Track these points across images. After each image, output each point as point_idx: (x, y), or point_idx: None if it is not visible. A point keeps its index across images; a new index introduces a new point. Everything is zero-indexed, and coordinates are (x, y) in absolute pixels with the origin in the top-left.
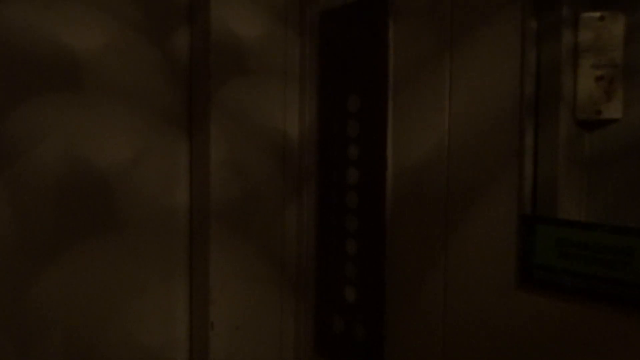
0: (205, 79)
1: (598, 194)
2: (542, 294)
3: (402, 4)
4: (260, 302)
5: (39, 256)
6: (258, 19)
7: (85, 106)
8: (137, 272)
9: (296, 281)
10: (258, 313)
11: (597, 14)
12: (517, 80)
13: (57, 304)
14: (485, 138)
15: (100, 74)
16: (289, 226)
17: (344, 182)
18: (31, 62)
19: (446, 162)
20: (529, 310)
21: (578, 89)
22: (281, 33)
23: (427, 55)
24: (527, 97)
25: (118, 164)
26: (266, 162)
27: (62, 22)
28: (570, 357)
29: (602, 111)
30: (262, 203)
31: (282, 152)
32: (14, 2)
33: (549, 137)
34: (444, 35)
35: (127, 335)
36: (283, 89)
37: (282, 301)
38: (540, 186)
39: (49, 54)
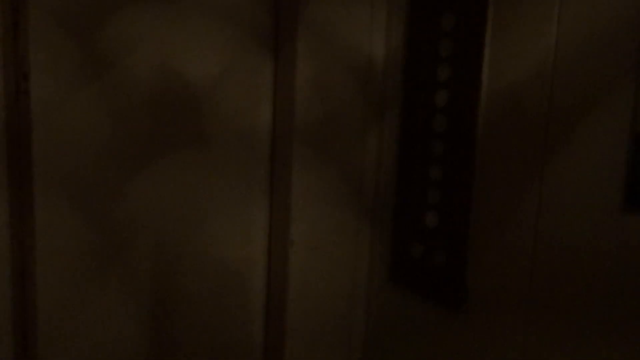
0: None
1: None
2: None
3: None
4: (338, 224)
5: (132, 162)
6: None
7: (176, 19)
8: (221, 185)
9: (374, 205)
10: (335, 234)
11: None
12: None
13: (147, 210)
14: (598, 51)
15: None
16: (370, 150)
17: (431, 105)
18: None
19: (550, 80)
20: (637, 234)
21: None
22: None
23: None
24: None
25: (206, 78)
26: (350, 83)
27: None
28: None
29: None
30: (344, 125)
31: (366, 74)
32: None
33: None
34: None
35: (209, 246)
36: (370, 8)
37: (359, 224)
38: None
39: None
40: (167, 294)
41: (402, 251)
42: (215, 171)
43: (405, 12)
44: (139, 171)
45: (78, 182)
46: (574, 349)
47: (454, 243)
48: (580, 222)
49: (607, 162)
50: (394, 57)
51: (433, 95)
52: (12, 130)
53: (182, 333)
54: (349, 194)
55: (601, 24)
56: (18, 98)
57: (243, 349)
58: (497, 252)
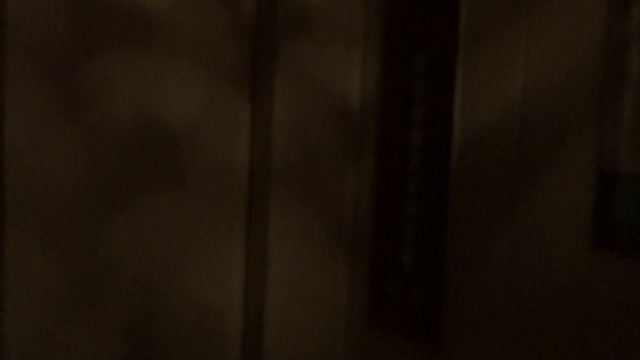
0: (272, 36)
1: None
2: (620, 253)
3: None
4: (316, 263)
5: (108, 203)
6: None
7: (155, 59)
8: (197, 225)
9: (352, 243)
10: (313, 273)
11: None
12: (603, 32)
13: (123, 251)
14: (564, 92)
15: (170, 28)
16: (347, 188)
17: (406, 144)
18: (107, 13)
19: (519, 120)
20: (605, 271)
21: None
22: None
23: (502, 9)
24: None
25: (183, 118)
26: (327, 123)
27: None
28: None
29: None
30: (322, 164)
31: (342, 113)
32: None
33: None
34: None
35: (184, 288)
36: (346, 49)
37: (337, 262)
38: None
39: (124, 6)
40: (142, 337)
41: (380, 288)
42: (191, 211)
43: (380, 54)
44: (114, 212)
45: (52, 223)
46: None
47: (430, 279)
48: (551, 258)
49: (575, 199)
50: (370, 98)
51: (408, 135)
52: None
53: None
54: (326, 232)
55: (565, 67)
56: None
57: None
58: (473, 288)
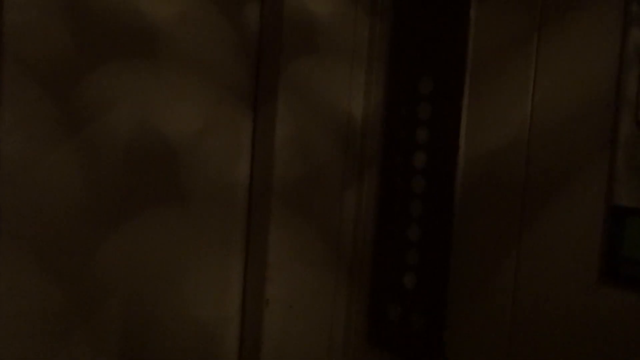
0: (275, 53)
1: None
2: (629, 289)
3: None
4: (315, 284)
5: (105, 222)
6: None
7: (157, 75)
8: (195, 244)
9: (351, 265)
10: (311, 294)
11: None
12: (615, 66)
13: (119, 271)
14: (574, 124)
15: (173, 43)
16: (348, 209)
17: (410, 166)
18: (108, 27)
19: (526, 149)
20: (613, 307)
21: None
22: (351, 12)
23: (512, 36)
24: (628, 81)
25: (184, 135)
26: (329, 142)
27: None
28: None
29: None
30: (323, 184)
31: (345, 133)
32: None
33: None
34: (533, 16)
35: (181, 306)
36: (350, 69)
37: (337, 284)
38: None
39: (126, 21)
40: (137, 354)
41: (380, 313)
42: (190, 229)
43: (384, 74)
44: (111, 230)
45: (47, 241)
46: None
47: (432, 306)
48: (557, 291)
49: (583, 233)
50: (373, 118)
51: (411, 157)
52: None
53: None
54: (326, 253)
55: (576, 98)
56: None
57: None
58: (476, 317)
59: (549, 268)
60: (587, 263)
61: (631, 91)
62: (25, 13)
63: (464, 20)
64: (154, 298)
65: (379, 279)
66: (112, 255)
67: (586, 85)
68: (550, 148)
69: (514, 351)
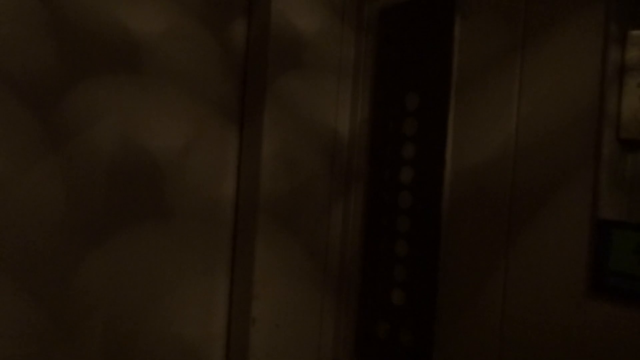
0: (261, 70)
1: None
2: (616, 303)
3: None
4: (302, 301)
5: (86, 240)
6: (316, 13)
7: (141, 90)
8: (180, 262)
9: (339, 282)
10: (299, 312)
11: None
12: (597, 83)
13: (101, 290)
14: (558, 139)
15: (158, 59)
16: (335, 225)
17: (396, 181)
18: (92, 42)
19: (512, 164)
20: (600, 320)
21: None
22: (338, 29)
23: (495, 53)
24: (608, 98)
25: (169, 151)
26: (315, 158)
27: (125, 4)
28: None
29: None
30: (309, 200)
31: (331, 149)
32: None
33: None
34: (516, 33)
35: (165, 325)
36: (336, 85)
37: (324, 301)
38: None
39: (111, 36)
40: None
41: (368, 329)
42: (175, 246)
43: (370, 90)
44: (94, 247)
45: (26, 260)
46: None
47: (420, 322)
48: (545, 305)
49: (570, 247)
50: (359, 133)
51: (398, 172)
52: None
53: None
54: (313, 270)
55: (560, 112)
56: None
57: None
58: (464, 332)
59: (537, 282)
60: (574, 277)
61: (612, 108)
62: (8, 28)
63: (449, 37)
64: (138, 317)
65: (367, 295)
66: (94, 274)
67: (569, 101)
68: (535, 163)
69: None
